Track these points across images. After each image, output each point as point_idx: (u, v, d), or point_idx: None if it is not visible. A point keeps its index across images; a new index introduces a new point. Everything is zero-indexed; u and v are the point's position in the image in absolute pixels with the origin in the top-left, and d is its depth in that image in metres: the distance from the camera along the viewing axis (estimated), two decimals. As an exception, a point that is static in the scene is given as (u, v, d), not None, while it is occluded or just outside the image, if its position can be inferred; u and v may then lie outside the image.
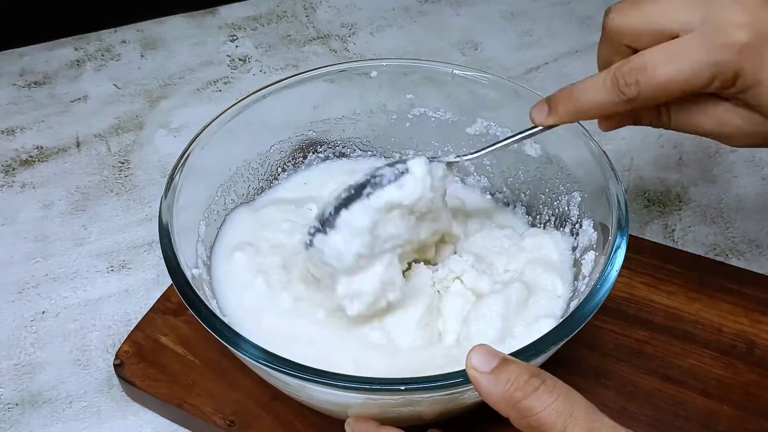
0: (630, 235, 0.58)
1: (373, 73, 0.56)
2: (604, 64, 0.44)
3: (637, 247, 0.58)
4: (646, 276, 0.57)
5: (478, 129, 0.57)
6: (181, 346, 0.54)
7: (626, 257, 0.43)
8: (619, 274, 0.42)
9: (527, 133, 0.47)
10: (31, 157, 0.74)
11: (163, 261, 0.44)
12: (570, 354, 0.51)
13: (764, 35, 0.38)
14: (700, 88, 0.40)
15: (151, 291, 0.61)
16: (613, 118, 0.45)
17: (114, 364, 0.53)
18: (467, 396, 0.40)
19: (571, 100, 0.44)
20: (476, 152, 0.49)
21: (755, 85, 0.39)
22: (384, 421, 0.42)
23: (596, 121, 0.46)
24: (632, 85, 0.40)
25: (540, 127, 0.46)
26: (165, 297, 0.57)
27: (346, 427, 0.43)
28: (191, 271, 0.45)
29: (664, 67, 0.39)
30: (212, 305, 0.45)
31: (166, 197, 0.46)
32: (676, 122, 0.44)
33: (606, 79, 0.42)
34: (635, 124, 0.46)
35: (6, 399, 0.55)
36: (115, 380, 0.55)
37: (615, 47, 0.42)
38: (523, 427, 0.34)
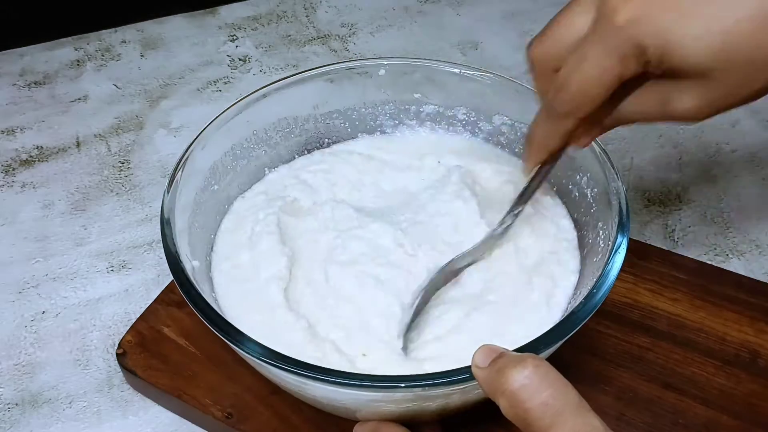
0: (636, 240, 0.58)
1: (381, 72, 0.57)
2: (540, 96, 0.44)
3: (642, 253, 0.58)
4: (651, 282, 0.57)
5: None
6: (183, 338, 0.54)
7: (631, 263, 0.43)
8: (623, 279, 0.42)
9: (534, 182, 0.48)
10: (31, 157, 0.74)
11: (163, 261, 0.44)
12: (570, 358, 0.50)
13: (650, 1, 0.36)
14: (617, 78, 0.38)
15: (151, 291, 0.61)
16: (577, 135, 0.44)
17: (116, 353, 0.53)
18: (461, 395, 0.40)
19: (532, 144, 0.45)
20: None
21: (665, 50, 0.36)
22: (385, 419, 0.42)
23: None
24: (562, 103, 0.40)
25: (536, 175, 0.48)
26: (169, 288, 0.57)
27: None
28: (191, 263, 0.45)
29: (574, 74, 0.39)
30: (212, 298, 0.45)
31: (168, 192, 0.47)
32: (627, 114, 0.41)
33: (543, 109, 0.43)
34: (603, 130, 0.44)
35: (6, 399, 0.55)
36: (115, 380, 0.55)
37: (547, 76, 0.42)
38: (511, 417, 0.33)
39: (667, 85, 0.38)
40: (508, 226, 0.49)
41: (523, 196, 0.49)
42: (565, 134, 0.43)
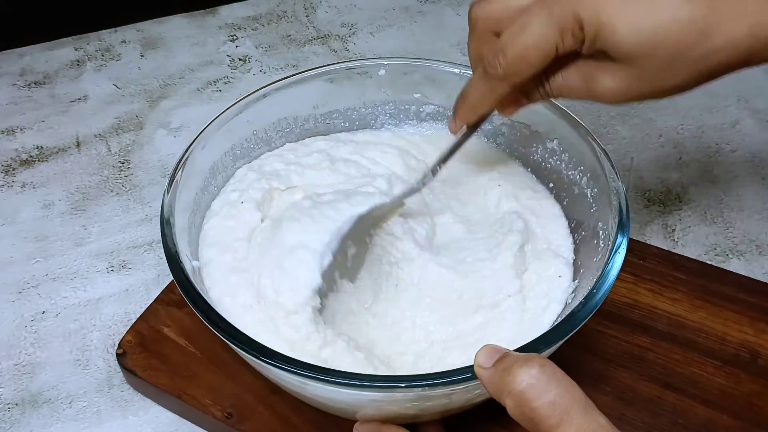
0: (636, 240, 0.57)
1: (381, 72, 0.57)
2: (474, 58, 0.45)
3: (642, 253, 0.58)
4: (651, 282, 0.57)
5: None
6: (183, 338, 0.54)
7: (632, 263, 0.43)
8: (623, 279, 0.42)
9: (456, 144, 0.50)
10: (31, 157, 0.74)
11: (163, 261, 0.44)
12: (570, 358, 0.50)
13: None
14: (554, 49, 0.40)
15: (151, 291, 0.61)
16: (505, 103, 0.46)
17: (116, 353, 0.53)
18: (462, 394, 0.40)
19: (465, 102, 0.46)
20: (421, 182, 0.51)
21: (599, 30, 0.38)
22: (387, 419, 0.42)
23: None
24: (497, 67, 0.41)
25: (461, 136, 0.49)
26: (169, 288, 0.57)
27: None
28: (191, 263, 0.45)
29: (516, 39, 0.40)
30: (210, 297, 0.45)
31: (168, 192, 0.47)
32: (555, 89, 0.43)
33: (478, 70, 0.44)
34: (530, 103, 0.46)
35: (6, 399, 0.55)
36: (115, 380, 0.55)
37: (484, 38, 0.44)
38: (518, 417, 0.33)
39: (595, 65, 0.41)
40: (426, 181, 0.51)
41: (446, 156, 0.50)
42: (498, 98, 0.44)
